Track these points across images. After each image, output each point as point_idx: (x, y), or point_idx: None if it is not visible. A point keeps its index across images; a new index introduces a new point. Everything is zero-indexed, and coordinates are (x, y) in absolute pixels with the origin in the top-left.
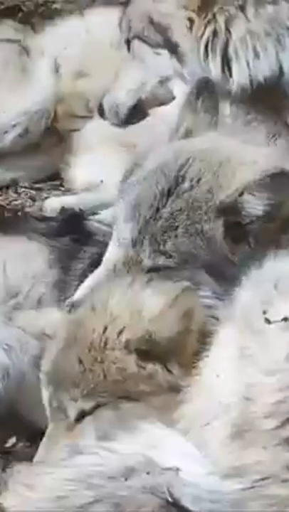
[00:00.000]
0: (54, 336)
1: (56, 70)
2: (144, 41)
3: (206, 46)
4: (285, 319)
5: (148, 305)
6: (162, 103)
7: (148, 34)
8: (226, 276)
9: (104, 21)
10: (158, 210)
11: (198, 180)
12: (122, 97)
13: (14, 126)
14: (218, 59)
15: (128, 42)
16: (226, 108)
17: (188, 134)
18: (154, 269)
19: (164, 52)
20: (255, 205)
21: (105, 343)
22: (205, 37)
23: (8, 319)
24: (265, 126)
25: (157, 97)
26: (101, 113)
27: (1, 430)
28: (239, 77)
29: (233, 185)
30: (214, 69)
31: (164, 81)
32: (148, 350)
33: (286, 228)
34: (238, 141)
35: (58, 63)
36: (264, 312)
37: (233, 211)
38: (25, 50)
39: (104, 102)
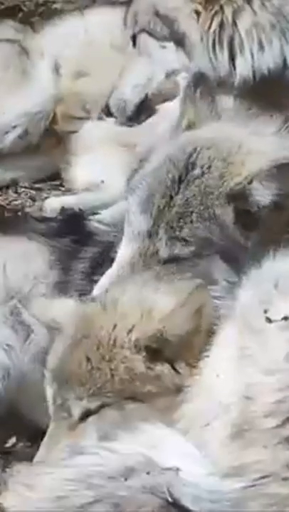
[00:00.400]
0: (62, 330)
1: (56, 70)
2: (151, 34)
3: (214, 39)
4: (285, 318)
5: (159, 304)
6: (169, 99)
7: (154, 27)
8: (239, 262)
9: (104, 21)
10: (171, 198)
11: (209, 167)
12: (129, 93)
13: (14, 127)
14: (226, 51)
15: (134, 37)
16: (228, 102)
17: (191, 126)
18: (170, 260)
19: (170, 45)
20: (263, 194)
21: (114, 342)
22: (212, 29)
23: (9, 332)
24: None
25: (164, 93)
26: (108, 112)
27: (1, 430)
28: (242, 69)
29: (243, 173)
30: (222, 61)
31: (170, 75)
32: (157, 350)
33: None
34: (244, 131)
35: (57, 64)
36: (265, 311)
37: (242, 198)
38: (25, 51)
39: (110, 99)
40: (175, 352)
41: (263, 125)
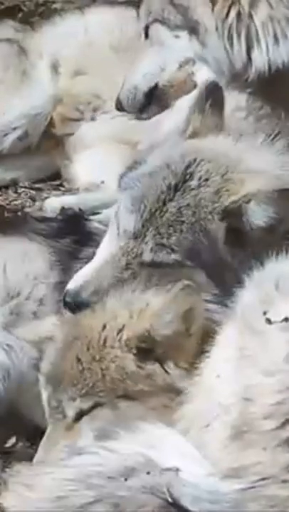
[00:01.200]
0: (53, 338)
1: (55, 70)
2: (164, 23)
3: (230, 29)
4: (285, 319)
5: (148, 303)
6: (183, 93)
7: (168, 16)
8: (224, 281)
9: (103, 21)
10: (164, 203)
11: (206, 180)
12: (140, 81)
13: (14, 129)
14: (243, 43)
15: (146, 28)
16: (241, 100)
17: (194, 135)
18: (154, 265)
19: (184, 34)
20: (259, 216)
21: (104, 342)
22: (229, 19)
23: (7, 331)
24: (273, 123)
25: (177, 85)
26: (119, 105)
27: (1, 430)
28: (258, 62)
29: (241, 191)
30: (238, 53)
31: (183, 65)
32: (147, 349)
33: (284, 243)
34: (246, 146)
35: (56, 64)
36: (264, 313)
37: (237, 216)
38: (24, 51)
39: (121, 91)
40: (164, 352)
41: (265, 143)
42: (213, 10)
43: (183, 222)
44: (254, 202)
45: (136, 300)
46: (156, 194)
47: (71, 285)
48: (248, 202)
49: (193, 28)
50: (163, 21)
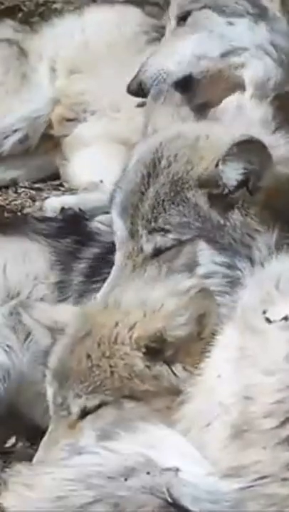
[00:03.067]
0: (65, 330)
1: (53, 71)
2: (216, 9)
3: None
4: (285, 318)
5: (163, 303)
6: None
7: (226, 2)
8: (221, 243)
9: (102, 20)
10: (143, 193)
11: (175, 155)
12: (173, 66)
13: (15, 131)
14: None
15: (186, 14)
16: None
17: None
18: (156, 253)
19: (240, 21)
20: (229, 175)
21: (115, 338)
22: None
23: (10, 333)
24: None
25: (214, 78)
26: (137, 87)
27: (1, 430)
28: None
29: (209, 156)
30: None
31: (225, 55)
32: (157, 350)
33: (268, 203)
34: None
35: (55, 65)
36: (264, 312)
37: (212, 183)
38: (24, 53)
39: (146, 72)
40: (174, 354)
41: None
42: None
43: (163, 201)
44: (221, 163)
45: (151, 300)
46: (133, 189)
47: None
48: (216, 165)
49: (260, 14)
50: (216, 7)
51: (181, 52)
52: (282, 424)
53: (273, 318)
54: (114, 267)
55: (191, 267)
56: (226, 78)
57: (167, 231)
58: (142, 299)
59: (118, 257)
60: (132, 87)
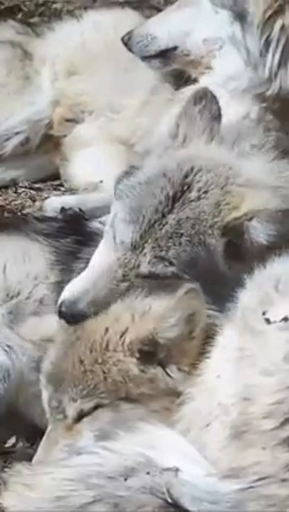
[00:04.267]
0: (55, 338)
1: (55, 74)
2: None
3: (270, 35)
4: (284, 319)
5: (151, 306)
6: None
7: None
8: (221, 296)
9: (102, 23)
10: (164, 215)
11: (206, 192)
12: (162, 33)
13: (16, 133)
14: (277, 56)
15: None
16: (253, 110)
17: (184, 139)
18: (151, 276)
19: (224, 13)
20: (260, 233)
21: (107, 345)
22: (275, 26)
23: (9, 328)
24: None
25: (194, 59)
26: (127, 39)
27: (1, 430)
28: (283, 81)
29: (243, 208)
30: (269, 63)
31: (208, 41)
32: (150, 353)
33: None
34: (240, 153)
35: (57, 68)
36: (263, 313)
37: (238, 233)
38: (28, 55)
39: (135, 31)
40: (167, 355)
41: (258, 150)
42: (264, 10)
43: (182, 234)
44: (256, 220)
45: (139, 303)
46: (154, 205)
47: (66, 295)
48: (250, 219)
49: (240, 14)
50: None
51: (174, 23)
52: (282, 424)
53: (273, 319)
54: (95, 263)
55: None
56: (203, 64)
57: (172, 265)
58: (130, 302)
59: (107, 256)
60: (124, 38)
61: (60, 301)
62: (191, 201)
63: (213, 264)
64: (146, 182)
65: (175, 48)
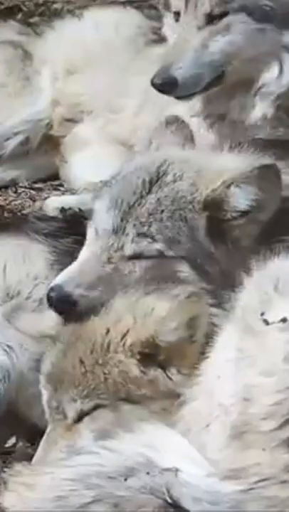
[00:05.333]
0: (56, 337)
1: (55, 74)
2: (251, 14)
3: None
4: (283, 320)
5: (153, 308)
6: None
7: (258, 5)
8: (208, 273)
9: (102, 22)
10: (142, 197)
11: (181, 175)
12: (205, 64)
13: (16, 133)
14: None
15: (221, 16)
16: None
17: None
18: (136, 257)
19: (269, 27)
20: (240, 199)
21: (108, 346)
22: None
23: (7, 322)
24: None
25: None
26: (169, 84)
27: (1, 430)
28: None
29: (219, 179)
30: None
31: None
32: (151, 355)
33: (265, 238)
34: (213, 154)
35: (57, 68)
36: (262, 314)
37: (218, 206)
38: (29, 56)
39: (178, 68)
40: (167, 358)
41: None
42: None
43: (162, 211)
44: (234, 184)
45: (140, 305)
46: (132, 189)
47: (55, 281)
48: (228, 187)
49: (284, 20)
50: (250, 12)
51: (216, 52)
52: (282, 425)
53: (272, 320)
54: (81, 253)
55: (168, 282)
56: (248, 83)
57: (156, 241)
58: (132, 303)
59: (91, 245)
60: (161, 81)
61: (48, 290)
62: (168, 184)
63: (197, 241)
64: (122, 177)
65: (222, 74)
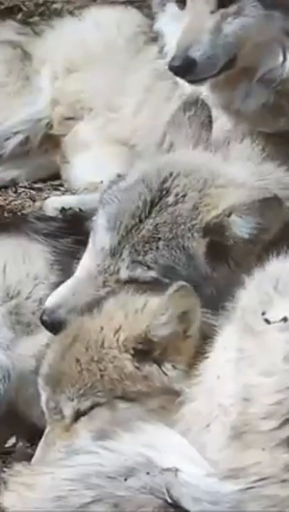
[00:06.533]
0: (52, 339)
1: (55, 73)
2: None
3: None
4: (284, 319)
5: (144, 303)
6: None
7: None
8: (203, 296)
9: (103, 20)
10: (141, 220)
11: (184, 196)
12: (220, 46)
13: (16, 133)
14: None
15: (224, 0)
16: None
17: (171, 148)
18: (131, 282)
19: (276, 13)
20: (241, 228)
21: (102, 343)
22: None
23: (9, 333)
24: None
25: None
26: (187, 66)
27: (1, 430)
28: None
29: (221, 205)
30: None
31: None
32: (144, 350)
33: (266, 251)
34: (223, 157)
35: (57, 67)
36: (263, 313)
37: (219, 232)
38: (28, 56)
39: (196, 51)
40: (162, 353)
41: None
42: None
43: (159, 239)
44: (235, 214)
45: (132, 301)
46: (131, 210)
47: (48, 303)
48: (229, 215)
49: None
50: None
51: (230, 34)
52: (281, 425)
53: (272, 320)
54: (79, 270)
55: None
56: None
57: (151, 269)
58: (122, 301)
59: (89, 263)
60: (180, 63)
61: (42, 310)
62: (168, 206)
63: (194, 268)
64: (126, 188)
65: (235, 56)
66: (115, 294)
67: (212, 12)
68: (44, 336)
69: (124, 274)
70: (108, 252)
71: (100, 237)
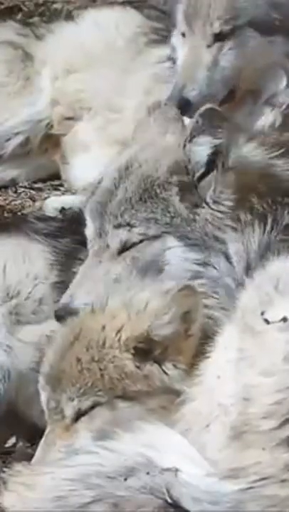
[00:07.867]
0: (53, 338)
1: (55, 73)
2: (258, 29)
3: None
4: (284, 319)
5: (147, 303)
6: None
7: (266, 20)
8: (192, 239)
9: (103, 22)
10: (112, 193)
11: (146, 160)
12: (216, 84)
13: (17, 134)
14: None
15: (231, 31)
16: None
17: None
18: (122, 249)
19: (280, 39)
20: (198, 153)
21: (103, 342)
22: None
23: (8, 333)
24: None
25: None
26: (184, 105)
27: (1, 430)
28: None
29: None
30: None
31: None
32: (145, 350)
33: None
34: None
35: (56, 68)
36: (262, 313)
37: (182, 169)
38: (29, 57)
39: (190, 89)
40: (163, 353)
41: None
42: None
43: (131, 197)
44: (188, 141)
45: (135, 301)
46: (104, 191)
47: (62, 300)
48: (183, 147)
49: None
50: (258, 26)
51: (226, 68)
52: (281, 425)
53: (272, 320)
54: (81, 267)
55: (159, 265)
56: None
57: (133, 226)
58: (126, 300)
59: (88, 259)
60: (175, 104)
61: (55, 309)
62: (134, 170)
63: (174, 213)
64: (99, 183)
65: (233, 90)
66: (118, 292)
67: (208, 46)
68: (47, 325)
69: (112, 243)
70: (97, 237)
71: (89, 233)
